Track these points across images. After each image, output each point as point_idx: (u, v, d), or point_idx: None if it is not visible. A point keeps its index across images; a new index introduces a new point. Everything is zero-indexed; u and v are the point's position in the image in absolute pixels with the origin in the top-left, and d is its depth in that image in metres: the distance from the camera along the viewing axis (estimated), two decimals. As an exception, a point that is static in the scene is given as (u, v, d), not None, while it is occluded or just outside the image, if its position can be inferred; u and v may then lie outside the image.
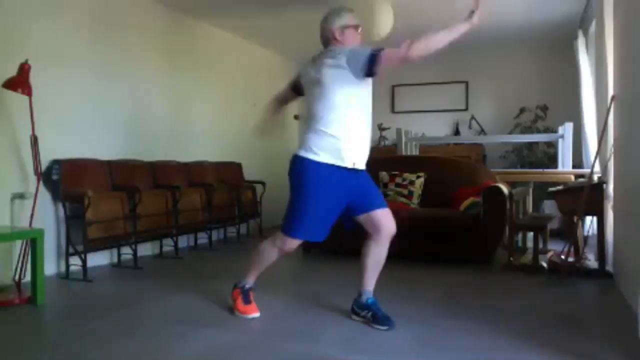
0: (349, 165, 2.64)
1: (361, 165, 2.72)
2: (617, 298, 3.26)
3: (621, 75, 3.49)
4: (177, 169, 5.23)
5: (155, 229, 4.63)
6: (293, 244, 2.73)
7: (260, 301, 2.94)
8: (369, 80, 2.64)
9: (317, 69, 2.61)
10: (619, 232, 3.66)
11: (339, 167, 2.62)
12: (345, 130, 2.60)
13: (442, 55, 7.34)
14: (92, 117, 4.47)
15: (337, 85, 2.56)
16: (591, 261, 4.14)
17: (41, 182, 3.68)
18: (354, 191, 2.70)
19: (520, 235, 4.93)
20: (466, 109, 7.53)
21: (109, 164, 4.47)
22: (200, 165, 5.56)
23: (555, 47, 6.85)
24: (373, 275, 2.82)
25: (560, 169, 5.66)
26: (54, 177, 3.97)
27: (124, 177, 4.54)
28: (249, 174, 6.32)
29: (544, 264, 4.05)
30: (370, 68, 2.49)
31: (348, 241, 4.78)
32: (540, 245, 4.35)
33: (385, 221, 2.77)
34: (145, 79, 5.11)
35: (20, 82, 3.44)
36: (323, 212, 2.64)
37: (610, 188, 3.99)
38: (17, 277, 3.42)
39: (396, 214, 4.62)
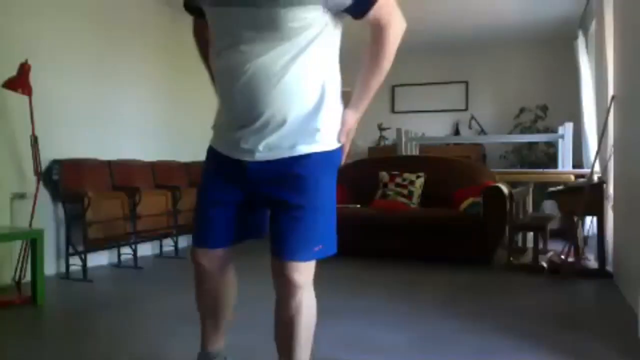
0: None
1: None
2: (617, 298, 3.26)
3: (621, 75, 3.49)
4: (177, 169, 5.23)
5: (155, 229, 4.62)
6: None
7: (260, 301, 2.94)
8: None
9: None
10: (619, 232, 3.65)
11: None
12: None
13: (442, 55, 7.48)
14: (92, 117, 4.46)
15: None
16: (591, 261, 4.14)
17: (41, 182, 3.68)
18: None
19: (520, 235, 4.93)
20: (466, 109, 7.53)
21: (109, 164, 4.47)
22: (200, 165, 5.55)
23: (555, 47, 6.84)
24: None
25: (560, 169, 5.66)
26: (54, 177, 3.97)
27: (124, 177, 4.54)
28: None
29: (544, 264, 4.04)
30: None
31: (348, 241, 4.81)
32: (540, 245, 4.35)
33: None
34: (145, 78, 5.11)
35: (20, 82, 3.44)
36: None
37: (610, 188, 3.99)
38: (17, 277, 3.41)
39: (396, 214, 4.68)
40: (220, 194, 1.67)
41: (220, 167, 1.66)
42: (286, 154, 1.53)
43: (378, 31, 1.51)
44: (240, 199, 1.65)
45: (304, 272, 1.58)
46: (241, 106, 1.51)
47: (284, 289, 1.61)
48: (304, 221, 1.55)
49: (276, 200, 1.58)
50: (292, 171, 1.54)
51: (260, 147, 1.52)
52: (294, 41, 1.44)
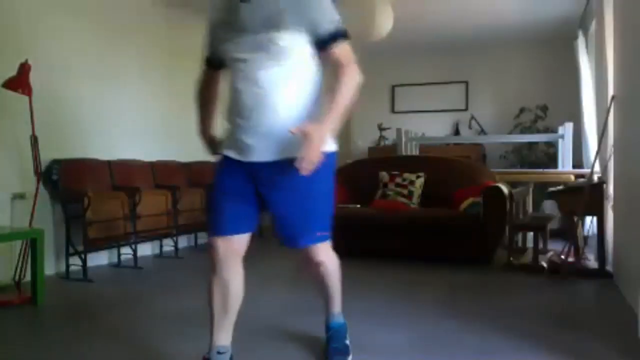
0: None
1: None
2: (617, 298, 3.26)
3: (621, 75, 3.49)
4: (177, 169, 5.23)
5: (155, 229, 4.62)
6: None
7: (259, 301, 2.94)
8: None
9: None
10: (619, 232, 3.66)
11: None
12: None
13: (442, 55, 7.48)
14: (92, 117, 4.47)
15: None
16: (591, 261, 4.14)
17: (41, 182, 3.67)
18: None
19: (520, 235, 4.93)
20: (466, 109, 7.53)
21: (109, 164, 4.47)
22: (200, 165, 5.56)
23: (555, 47, 6.85)
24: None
25: (560, 169, 5.66)
26: (54, 177, 3.97)
27: (124, 177, 4.54)
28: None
29: (544, 264, 4.04)
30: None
31: (348, 241, 4.81)
32: (540, 245, 4.35)
33: None
34: (145, 78, 5.11)
35: (20, 82, 3.43)
36: None
37: (610, 188, 4.00)
38: (17, 277, 3.42)
39: (396, 214, 4.68)
40: (232, 189, 1.91)
41: (231, 168, 1.92)
42: (288, 155, 1.79)
43: (338, 71, 1.81)
44: (249, 195, 1.91)
45: (321, 250, 1.97)
46: (251, 116, 1.82)
47: (310, 267, 2.04)
48: (308, 212, 1.90)
49: (278, 198, 1.89)
50: (293, 171, 1.74)
51: (267, 150, 1.83)
52: (289, 60, 1.79)
